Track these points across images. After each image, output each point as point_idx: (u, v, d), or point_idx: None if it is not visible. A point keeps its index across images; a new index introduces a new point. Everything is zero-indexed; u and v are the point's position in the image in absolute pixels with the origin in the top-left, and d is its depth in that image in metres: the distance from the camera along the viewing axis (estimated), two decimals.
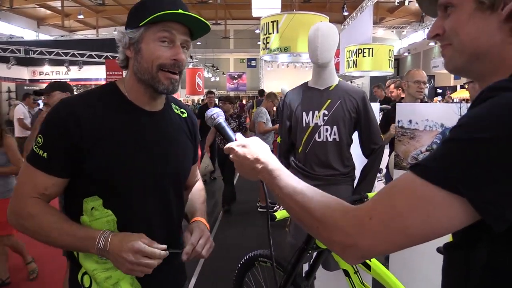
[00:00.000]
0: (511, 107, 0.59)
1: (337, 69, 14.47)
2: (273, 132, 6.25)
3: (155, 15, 1.10)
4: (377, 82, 9.75)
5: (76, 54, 12.78)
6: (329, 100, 2.35)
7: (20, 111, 7.97)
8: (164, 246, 1.13)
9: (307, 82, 2.51)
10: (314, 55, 2.29)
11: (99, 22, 24.63)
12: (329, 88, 2.39)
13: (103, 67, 11.03)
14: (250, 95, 29.69)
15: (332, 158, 2.35)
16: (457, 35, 0.75)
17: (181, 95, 24.47)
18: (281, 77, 25.44)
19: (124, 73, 1.28)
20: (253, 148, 0.99)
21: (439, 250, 1.62)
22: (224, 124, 1.13)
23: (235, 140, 1.06)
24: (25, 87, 13.68)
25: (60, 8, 21.41)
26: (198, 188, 1.52)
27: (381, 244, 0.68)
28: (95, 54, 13.03)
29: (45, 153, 1.12)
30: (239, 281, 2.48)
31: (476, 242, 0.67)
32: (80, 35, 24.26)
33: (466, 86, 2.91)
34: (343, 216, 0.72)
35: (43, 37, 22.55)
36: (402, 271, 1.83)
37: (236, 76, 29.86)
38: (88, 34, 24.20)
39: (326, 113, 2.34)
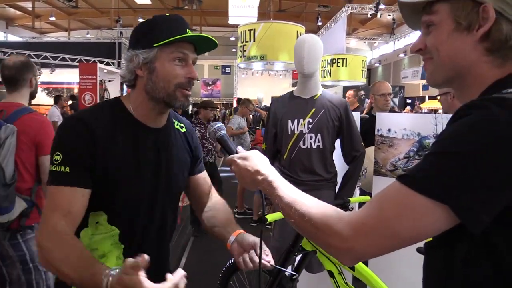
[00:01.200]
0: (483, 124, 0.68)
1: None
2: (248, 137, 6.32)
3: (175, 38, 1.16)
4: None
5: (48, 57, 12.49)
6: (313, 109, 2.46)
7: (55, 114, 7.67)
8: None
9: (292, 91, 2.62)
10: (301, 65, 2.39)
11: (71, 24, 24.14)
12: (313, 97, 2.50)
13: (76, 70, 10.81)
14: (224, 102, 29.72)
15: (316, 164, 2.46)
16: (437, 51, 0.85)
17: None
18: (255, 85, 25.60)
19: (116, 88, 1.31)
20: (254, 160, 1.05)
21: (419, 250, 1.74)
22: (226, 137, 1.19)
23: (236, 152, 1.12)
24: None
25: (30, 9, 20.89)
26: (220, 200, 1.53)
27: (374, 247, 0.76)
28: (68, 57, 12.78)
29: (67, 168, 1.12)
30: (224, 284, 2.53)
31: (455, 243, 0.75)
32: (51, 37, 23.72)
33: (438, 98, 3.08)
34: (339, 222, 0.79)
35: (12, 38, 21.92)
36: (382, 271, 1.94)
37: (210, 83, 29.84)
38: (60, 36, 23.70)
39: (311, 121, 2.45)
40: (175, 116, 1.43)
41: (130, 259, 0.96)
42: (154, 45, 1.18)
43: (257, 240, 1.25)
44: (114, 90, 12.35)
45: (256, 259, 1.22)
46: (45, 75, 13.06)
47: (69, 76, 12.69)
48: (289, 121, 2.49)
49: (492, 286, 0.72)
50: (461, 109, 0.74)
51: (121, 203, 1.20)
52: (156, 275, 1.30)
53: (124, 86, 12.27)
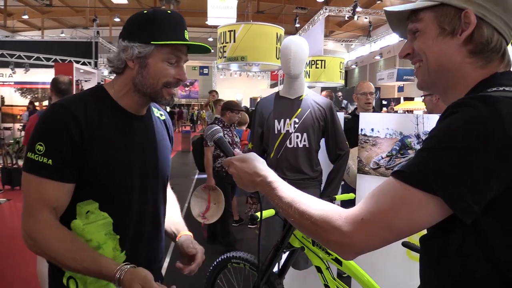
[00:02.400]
0: (471, 121, 0.73)
1: None
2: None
3: (174, 42, 1.19)
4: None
5: (23, 56, 12.17)
6: (299, 109, 2.51)
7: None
8: None
9: (278, 91, 2.67)
10: (287, 66, 2.44)
11: (45, 23, 23.61)
12: (299, 98, 2.55)
13: (52, 70, 10.58)
14: (202, 103, 29.58)
15: (302, 163, 2.51)
16: (424, 54, 0.91)
17: None
18: (234, 86, 25.63)
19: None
20: (252, 162, 1.07)
21: (404, 244, 1.82)
22: (223, 139, 1.21)
23: (234, 155, 1.14)
24: None
25: (2, 6, 20.32)
26: (172, 198, 1.56)
27: (373, 241, 0.79)
28: (43, 57, 12.48)
29: (50, 160, 1.11)
30: (211, 282, 2.55)
31: (448, 234, 0.80)
32: (23, 36, 23.11)
33: (423, 98, 3.20)
34: (338, 219, 0.82)
35: None
36: (367, 264, 2.00)
37: (188, 84, 29.71)
38: (33, 35, 23.11)
39: (297, 121, 2.50)
40: (154, 105, 1.44)
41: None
42: (152, 42, 1.19)
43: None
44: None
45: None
46: (19, 75, 12.73)
47: (44, 76, 12.37)
48: (276, 121, 2.54)
49: (485, 274, 0.77)
50: (450, 107, 0.79)
51: (112, 191, 1.20)
52: (151, 264, 1.33)
53: None
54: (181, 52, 1.24)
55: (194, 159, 5.32)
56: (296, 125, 2.50)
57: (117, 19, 20.89)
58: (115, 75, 1.30)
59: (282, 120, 2.53)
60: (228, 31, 8.17)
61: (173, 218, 1.49)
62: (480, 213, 0.73)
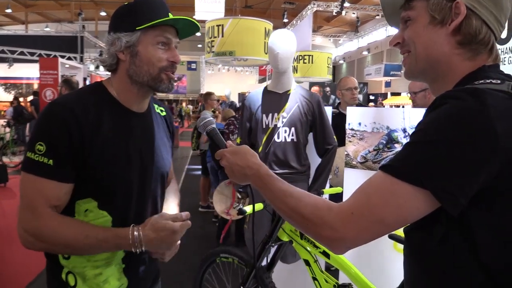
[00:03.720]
0: (458, 113, 0.74)
1: None
2: None
3: (159, 21, 1.16)
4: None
5: (6, 51, 11.97)
6: (287, 103, 2.52)
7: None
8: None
9: (266, 86, 2.67)
10: (275, 61, 2.44)
11: (29, 17, 23.20)
12: (287, 92, 2.56)
13: (36, 65, 10.43)
14: (191, 98, 29.48)
15: (290, 157, 2.52)
16: (413, 43, 0.92)
17: None
18: (222, 81, 25.55)
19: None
20: (244, 155, 1.07)
21: (390, 236, 1.83)
22: (216, 131, 1.20)
23: (227, 147, 1.14)
24: None
25: None
26: (174, 188, 1.56)
27: (363, 235, 0.80)
28: (27, 52, 12.28)
29: (51, 160, 1.10)
30: (200, 277, 2.55)
31: (432, 225, 0.81)
32: (7, 30, 22.67)
33: (409, 96, 3.21)
34: (328, 213, 0.83)
35: None
36: (354, 257, 2.03)
37: (175, 79, 29.48)
38: (17, 29, 22.68)
39: (285, 115, 2.51)
40: (154, 100, 1.44)
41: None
42: (136, 28, 1.18)
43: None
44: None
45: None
46: (2, 70, 12.53)
47: (28, 71, 12.21)
48: (264, 115, 2.54)
49: (467, 265, 0.78)
50: (437, 99, 0.80)
51: (112, 189, 1.19)
52: (150, 261, 1.33)
53: (87, 82, 11.94)
54: (169, 33, 1.22)
55: (211, 155, 5.27)
56: (284, 120, 2.51)
57: (103, 13, 20.58)
58: (110, 72, 1.29)
59: (270, 114, 2.53)
60: (216, 25, 8.12)
61: (169, 201, 1.48)
62: (465, 205, 0.74)
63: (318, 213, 0.85)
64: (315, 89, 6.56)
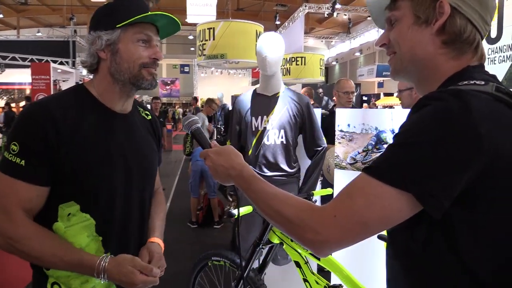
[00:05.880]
0: (441, 115, 0.74)
1: None
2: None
3: (138, 17, 1.16)
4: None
5: None
6: (276, 106, 2.53)
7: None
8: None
9: (255, 88, 2.68)
10: (263, 65, 2.45)
11: (21, 22, 23.07)
12: (276, 95, 2.57)
13: (28, 70, 10.38)
14: (184, 101, 29.43)
15: (280, 160, 2.53)
16: (398, 44, 0.92)
17: None
18: (215, 83, 25.54)
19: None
20: (228, 156, 1.06)
21: (380, 237, 1.84)
22: (200, 131, 1.19)
23: (211, 147, 1.13)
24: None
25: None
26: (159, 201, 1.52)
27: (346, 237, 0.79)
28: (18, 57, 12.21)
29: (23, 161, 1.09)
30: (192, 281, 2.55)
31: (414, 226, 0.81)
32: None
33: (397, 94, 3.23)
34: (311, 216, 0.82)
35: None
36: (345, 258, 2.03)
37: (169, 82, 29.47)
38: (8, 34, 22.53)
39: (274, 117, 2.52)
40: (139, 104, 1.44)
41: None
42: (116, 26, 1.18)
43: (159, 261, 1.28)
44: None
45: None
46: (6, 74, 12.43)
47: (20, 77, 12.15)
48: (253, 118, 2.55)
49: (452, 267, 0.78)
50: (420, 100, 0.81)
51: (93, 191, 1.17)
52: None
53: None
54: (149, 31, 1.22)
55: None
56: (274, 122, 2.52)
57: None
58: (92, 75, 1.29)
59: (260, 117, 2.54)
60: (207, 28, 8.12)
61: (154, 218, 1.45)
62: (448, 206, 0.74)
63: (301, 215, 0.84)
64: (303, 90, 6.57)
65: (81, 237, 1.16)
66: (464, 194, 0.74)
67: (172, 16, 1.23)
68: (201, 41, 8.30)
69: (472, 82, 0.81)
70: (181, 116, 24.69)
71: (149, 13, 1.19)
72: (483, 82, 0.80)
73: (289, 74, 11.78)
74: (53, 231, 1.14)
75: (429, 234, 0.79)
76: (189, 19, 11.86)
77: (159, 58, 1.24)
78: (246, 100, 2.63)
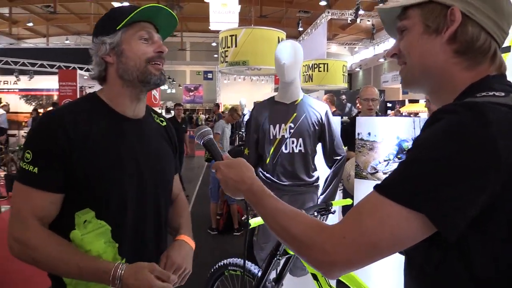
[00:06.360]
0: (455, 129, 0.69)
1: None
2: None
3: (134, 12, 1.18)
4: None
5: (27, 63, 12.28)
6: (295, 114, 2.49)
7: None
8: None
9: (273, 96, 2.65)
10: (281, 72, 2.42)
11: (50, 30, 23.79)
12: (294, 103, 2.53)
13: (56, 77, 10.67)
14: (207, 108, 29.65)
15: (298, 169, 2.48)
16: (408, 54, 0.88)
17: None
18: (238, 90, 25.64)
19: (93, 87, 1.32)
20: (239, 169, 1.04)
21: (401, 252, 1.78)
22: (213, 142, 1.18)
23: (222, 159, 1.12)
24: None
25: (7, 14, 20.53)
26: (181, 205, 1.52)
27: (356, 259, 0.75)
28: (47, 64, 12.58)
29: (36, 168, 1.11)
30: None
31: (429, 246, 0.76)
32: (29, 43, 23.30)
33: (426, 102, 3.15)
34: (319, 235, 0.78)
35: None
36: (364, 271, 1.97)
37: (192, 89, 29.77)
38: (38, 42, 23.29)
39: (292, 126, 2.48)
40: (154, 111, 1.44)
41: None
42: (117, 28, 1.20)
43: (180, 263, 1.28)
44: None
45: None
46: (23, 82, 12.85)
47: (48, 83, 12.48)
48: (271, 126, 2.51)
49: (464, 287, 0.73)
50: (434, 114, 0.75)
51: (106, 196, 1.18)
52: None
53: None
54: (149, 28, 1.24)
55: None
56: (292, 130, 2.48)
57: None
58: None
59: (278, 125, 2.50)
60: (230, 35, 8.19)
61: (177, 217, 1.44)
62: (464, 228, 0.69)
63: (309, 235, 0.80)
64: (325, 97, 6.51)
65: (98, 244, 1.16)
66: (481, 214, 0.69)
67: (165, 7, 1.24)
68: (223, 48, 8.37)
69: (491, 93, 0.76)
70: (203, 122, 24.90)
71: (143, 6, 1.20)
72: (503, 94, 0.75)
73: (312, 81, 11.74)
74: (70, 239, 1.14)
75: (444, 258, 0.75)
76: (212, 26, 11.97)
77: (163, 50, 1.25)
78: (264, 108, 2.60)
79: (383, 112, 16.03)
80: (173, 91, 28.56)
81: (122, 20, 1.19)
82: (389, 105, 19.41)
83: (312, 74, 11.83)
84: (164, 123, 1.44)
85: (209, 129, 1.21)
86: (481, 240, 0.71)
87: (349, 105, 13.89)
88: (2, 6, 19.22)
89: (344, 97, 13.91)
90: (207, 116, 25.85)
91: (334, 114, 5.84)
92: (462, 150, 0.67)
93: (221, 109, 14.77)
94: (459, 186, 0.67)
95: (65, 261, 1.09)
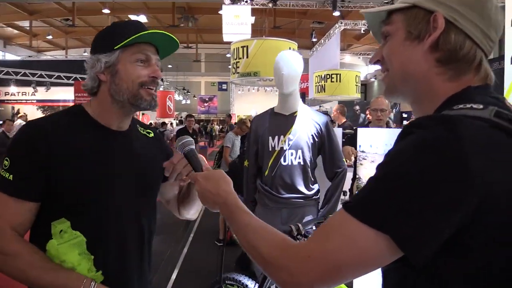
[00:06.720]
0: (424, 145, 0.64)
1: (306, 94, 14.81)
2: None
3: (134, 37, 1.16)
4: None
5: (44, 75, 12.54)
6: (293, 125, 2.45)
7: None
8: None
9: (273, 107, 2.61)
10: (280, 84, 2.39)
11: (68, 42, 24.34)
12: (293, 114, 2.49)
13: (72, 88, 10.89)
14: (221, 118, 29.81)
15: (298, 181, 2.43)
16: (390, 61, 0.83)
17: (152, 117, 24.24)
18: (251, 101, 25.74)
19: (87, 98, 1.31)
20: (215, 182, 1.02)
21: None
22: (193, 152, 1.17)
23: (203, 170, 1.10)
24: None
25: (28, 28, 21.10)
26: None
27: (320, 281, 0.70)
28: (63, 75, 12.84)
29: (11, 175, 1.10)
30: None
31: (404, 267, 0.70)
32: (48, 55, 23.86)
33: None
34: (285, 254, 0.74)
35: (10, 56, 22.06)
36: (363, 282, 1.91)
37: (207, 99, 29.99)
38: (57, 54, 23.84)
39: (291, 137, 2.44)
40: (139, 123, 1.43)
41: None
42: (114, 48, 1.18)
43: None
44: None
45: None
46: (40, 93, 13.13)
47: (64, 94, 12.75)
48: (270, 137, 2.48)
49: None
50: (406, 127, 0.71)
51: (84, 208, 1.17)
52: (135, 283, 1.28)
53: None
54: (147, 50, 1.22)
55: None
56: (290, 142, 2.43)
57: None
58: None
59: (276, 137, 2.46)
60: (241, 47, 8.25)
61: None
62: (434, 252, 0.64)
63: (275, 254, 0.76)
64: (335, 108, 6.47)
65: (73, 255, 1.14)
66: (454, 236, 0.64)
67: (166, 33, 1.22)
68: (235, 59, 8.42)
69: (468, 105, 0.70)
70: (217, 133, 24.96)
71: (144, 32, 1.19)
72: (481, 106, 0.69)
73: (324, 91, 11.70)
74: (47, 249, 1.13)
75: (415, 281, 0.70)
76: (225, 38, 12.04)
77: (157, 76, 1.24)
78: (263, 119, 2.57)
79: (398, 123, 15.81)
80: (188, 102, 28.82)
81: (121, 41, 1.18)
82: (404, 115, 19.15)
83: (324, 84, 11.79)
84: (151, 134, 1.43)
85: (191, 139, 1.21)
86: (455, 265, 0.66)
87: (363, 115, 13.77)
88: (23, 19, 19.79)
89: (357, 107, 13.80)
90: (221, 127, 25.98)
91: (344, 125, 5.80)
92: (431, 167, 0.63)
93: (234, 119, 14.80)
94: (426, 208, 0.62)
95: (37, 268, 1.09)
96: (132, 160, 1.28)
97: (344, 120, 6.25)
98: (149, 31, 1.20)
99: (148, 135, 1.41)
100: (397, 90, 0.85)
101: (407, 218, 0.63)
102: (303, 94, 14.42)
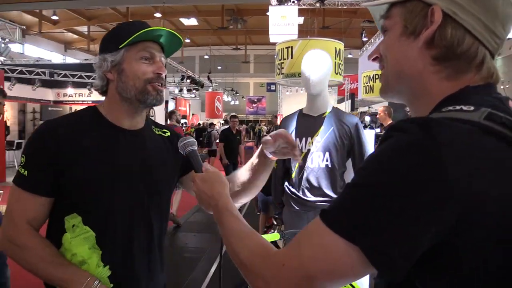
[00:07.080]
0: (402, 150, 0.60)
1: (356, 95, 14.45)
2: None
3: (136, 34, 1.19)
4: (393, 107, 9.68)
5: (84, 76, 13.04)
6: (322, 127, 2.38)
7: None
8: None
9: (302, 108, 2.56)
10: (307, 85, 2.34)
11: None
12: (322, 115, 2.43)
13: None
14: (269, 119, 29.83)
15: (324, 184, 2.36)
16: (386, 57, 0.77)
17: (201, 118, 24.77)
18: (300, 101, 25.51)
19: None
20: (212, 184, 1.02)
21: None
22: (195, 153, 1.17)
23: (203, 171, 1.09)
24: (49, 108, 14.11)
25: (86, 33, 22.27)
26: None
27: None
28: None
29: (26, 171, 1.17)
30: None
31: (384, 283, 0.67)
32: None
33: None
34: (262, 262, 0.72)
35: (70, 60, 23.36)
36: None
37: (255, 100, 30.16)
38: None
39: (319, 139, 2.37)
40: (155, 124, 1.45)
41: None
42: (119, 47, 1.22)
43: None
44: (159, 109, 12.76)
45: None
46: (95, 95, 13.75)
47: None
48: (297, 139, 2.43)
49: None
50: (386, 131, 0.66)
51: (93, 205, 1.21)
52: (143, 280, 1.30)
53: (169, 104, 12.61)
54: (152, 48, 1.25)
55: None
56: (318, 144, 2.37)
57: (187, 40, 21.89)
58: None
59: (304, 138, 2.41)
60: (286, 47, 8.21)
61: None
62: (414, 266, 0.59)
63: (253, 261, 0.73)
64: (381, 109, 6.26)
65: (83, 249, 1.17)
66: (435, 251, 0.58)
67: (169, 30, 1.25)
68: (280, 60, 8.40)
69: (458, 107, 0.64)
70: (265, 133, 24.99)
71: (146, 29, 1.21)
72: (472, 108, 0.62)
73: (372, 92, 11.39)
74: (62, 242, 1.17)
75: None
76: (271, 39, 12.05)
77: (162, 72, 1.26)
78: (292, 121, 2.52)
79: None
80: (237, 102, 29.12)
81: (125, 40, 1.21)
82: None
83: (373, 85, 11.47)
84: (168, 134, 1.44)
85: (193, 140, 1.20)
86: (435, 281, 0.60)
87: None
88: (82, 25, 20.92)
89: (408, 108, 13.29)
90: (269, 128, 25.98)
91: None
92: (407, 176, 0.57)
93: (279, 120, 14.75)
94: (399, 220, 0.57)
95: (46, 263, 1.14)
96: (140, 158, 1.30)
97: (390, 121, 6.03)
98: (151, 28, 1.22)
99: (164, 134, 1.43)
100: (392, 89, 0.79)
101: (375, 230, 0.58)
102: (353, 95, 14.09)
